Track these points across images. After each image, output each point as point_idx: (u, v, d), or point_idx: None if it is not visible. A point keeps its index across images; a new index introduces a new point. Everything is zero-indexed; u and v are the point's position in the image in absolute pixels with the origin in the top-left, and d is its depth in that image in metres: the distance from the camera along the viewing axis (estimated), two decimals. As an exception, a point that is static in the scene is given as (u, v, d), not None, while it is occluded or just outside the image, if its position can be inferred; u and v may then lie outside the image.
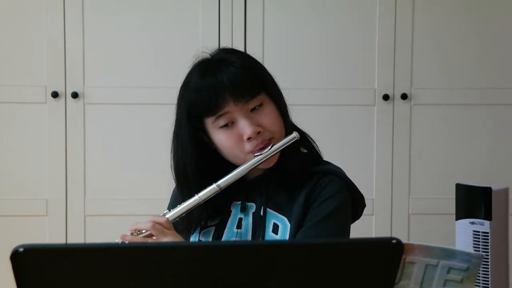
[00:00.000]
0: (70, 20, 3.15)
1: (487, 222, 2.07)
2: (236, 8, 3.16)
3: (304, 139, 1.66)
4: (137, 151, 3.20)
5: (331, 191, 1.58)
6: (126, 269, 1.02)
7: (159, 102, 3.11)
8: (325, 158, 1.70)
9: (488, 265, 2.05)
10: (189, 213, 1.57)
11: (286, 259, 1.05)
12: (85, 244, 1.12)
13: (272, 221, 1.60)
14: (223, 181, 1.55)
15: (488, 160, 3.26)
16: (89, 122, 3.18)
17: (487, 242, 2.06)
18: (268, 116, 1.57)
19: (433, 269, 1.17)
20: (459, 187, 2.19)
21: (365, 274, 1.07)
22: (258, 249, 1.07)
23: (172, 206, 1.70)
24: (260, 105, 1.56)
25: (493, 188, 2.09)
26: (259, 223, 1.60)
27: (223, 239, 1.62)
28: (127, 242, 1.51)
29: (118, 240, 1.54)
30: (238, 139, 1.55)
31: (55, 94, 3.14)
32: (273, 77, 1.63)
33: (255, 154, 1.55)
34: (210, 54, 1.61)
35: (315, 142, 1.69)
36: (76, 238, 3.19)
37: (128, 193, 3.20)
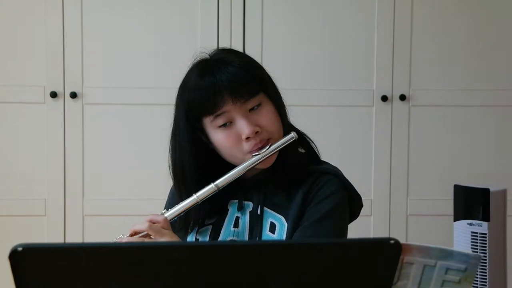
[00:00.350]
0: (69, 20, 3.15)
1: (485, 223, 2.07)
2: (235, 9, 3.17)
3: (302, 139, 1.66)
4: (136, 151, 3.20)
5: (328, 190, 1.58)
6: (124, 269, 1.02)
7: (157, 102, 3.12)
8: (323, 159, 1.70)
9: (486, 266, 2.06)
10: (186, 212, 1.57)
11: (284, 259, 1.05)
12: (83, 243, 1.12)
13: (269, 220, 1.60)
14: (221, 181, 1.55)
15: (486, 162, 3.26)
16: (88, 122, 3.18)
17: (485, 243, 2.06)
18: (267, 116, 1.57)
19: (431, 270, 1.17)
20: (457, 188, 2.19)
21: (363, 274, 1.07)
22: (256, 249, 1.07)
23: (169, 205, 1.70)
24: (259, 105, 1.56)
25: (491, 189, 2.09)
26: (256, 222, 1.60)
27: (220, 238, 1.63)
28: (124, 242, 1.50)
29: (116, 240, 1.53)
30: (236, 139, 1.55)
31: (53, 94, 3.14)
32: (272, 77, 1.64)
33: (253, 154, 1.55)
34: (208, 54, 1.61)
35: (313, 142, 1.69)
36: (74, 238, 3.19)
37: (126, 193, 3.20)
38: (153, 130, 3.13)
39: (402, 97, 3.20)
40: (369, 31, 3.20)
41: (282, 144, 1.56)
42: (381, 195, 3.24)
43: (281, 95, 1.64)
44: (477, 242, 2.08)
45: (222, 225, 1.64)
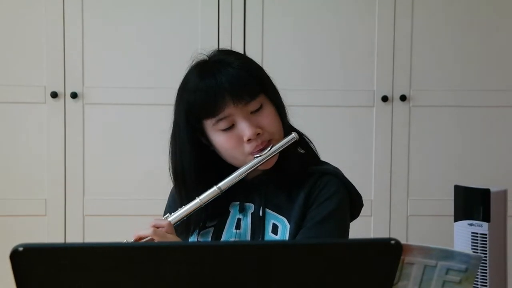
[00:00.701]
0: (70, 21, 3.15)
1: (485, 224, 2.07)
2: (236, 8, 3.17)
3: (301, 140, 1.66)
4: (136, 151, 3.20)
5: (330, 191, 1.58)
6: (125, 269, 1.02)
7: (158, 102, 3.12)
8: (324, 159, 1.70)
9: (486, 266, 2.05)
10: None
11: (285, 260, 1.05)
12: (84, 243, 1.12)
13: (272, 221, 1.60)
14: (223, 184, 1.55)
15: (487, 162, 3.26)
16: (88, 122, 3.18)
17: (485, 244, 2.06)
18: (268, 117, 1.57)
19: (431, 270, 1.17)
20: (458, 189, 2.18)
21: (364, 274, 1.07)
22: (257, 249, 1.07)
23: (169, 207, 1.70)
24: (260, 106, 1.56)
25: (492, 189, 2.08)
26: (259, 224, 1.60)
27: (222, 239, 1.62)
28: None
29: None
30: (238, 141, 1.55)
31: (54, 94, 3.14)
32: (271, 78, 1.63)
33: (255, 156, 1.55)
34: (207, 56, 1.61)
35: (311, 142, 1.69)
36: (74, 238, 3.19)
37: (126, 193, 3.20)
38: (153, 130, 3.13)
39: (403, 98, 3.20)
40: (369, 32, 3.20)
41: (284, 145, 1.57)
42: (381, 195, 3.24)
43: (281, 95, 1.64)
44: (477, 243, 2.07)
45: (224, 227, 1.64)
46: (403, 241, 1.07)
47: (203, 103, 1.54)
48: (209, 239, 1.64)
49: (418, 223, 3.25)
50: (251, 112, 1.55)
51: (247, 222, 1.62)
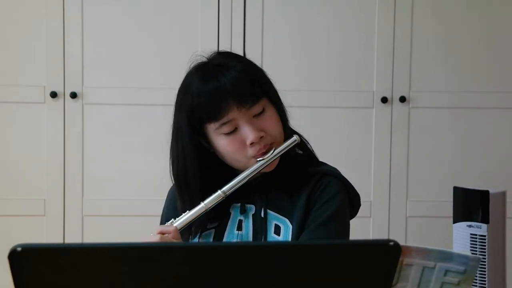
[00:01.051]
0: (69, 20, 3.15)
1: (484, 225, 2.07)
2: (236, 9, 3.17)
3: (300, 141, 1.66)
4: (135, 152, 3.20)
5: (331, 192, 1.59)
6: (124, 269, 1.02)
7: (157, 103, 3.12)
8: (324, 160, 1.70)
9: (485, 268, 2.05)
10: None
11: (285, 260, 1.05)
12: (83, 244, 1.12)
13: (274, 222, 1.60)
14: (227, 188, 1.55)
15: (486, 163, 3.26)
16: (88, 122, 3.18)
17: (484, 245, 2.06)
18: (270, 121, 1.57)
19: (430, 272, 1.17)
20: (457, 190, 2.18)
21: (362, 275, 1.07)
22: (257, 250, 1.07)
23: (168, 207, 1.70)
24: (262, 110, 1.56)
25: (491, 191, 2.08)
26: (260, 225, 1.60)
27: (224, 241, 1.62)
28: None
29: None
30: (240, 144, 1.55)
31: (53, 94, 3.14)
32: (271, 79, 1.63)
33: (258, 159, 1.55)
34: (207, 58, 1.60)
35: (309, 143, 1.69)
36: (73, 238, 3.19)
37: (126, 194, 3.20)
38: (153, 130, 3.13)
39: (402, 99, 3.20)
40: (369, 33, 3.20)
41: (286, 148, 1.57)
42: (380, 197, 3.24)
43: (281, 97, 1.64)
44: (476, 244, 2.07)
45: (225, 228, 1.64)
46: (402, 243, 1.07)
47: (207, 107, 1.53)
48: (211, 241, 1.64)
49: (417, 224, 3.25)
50: (254, 116, 1.55)
51: (248, 224, 1.62)
